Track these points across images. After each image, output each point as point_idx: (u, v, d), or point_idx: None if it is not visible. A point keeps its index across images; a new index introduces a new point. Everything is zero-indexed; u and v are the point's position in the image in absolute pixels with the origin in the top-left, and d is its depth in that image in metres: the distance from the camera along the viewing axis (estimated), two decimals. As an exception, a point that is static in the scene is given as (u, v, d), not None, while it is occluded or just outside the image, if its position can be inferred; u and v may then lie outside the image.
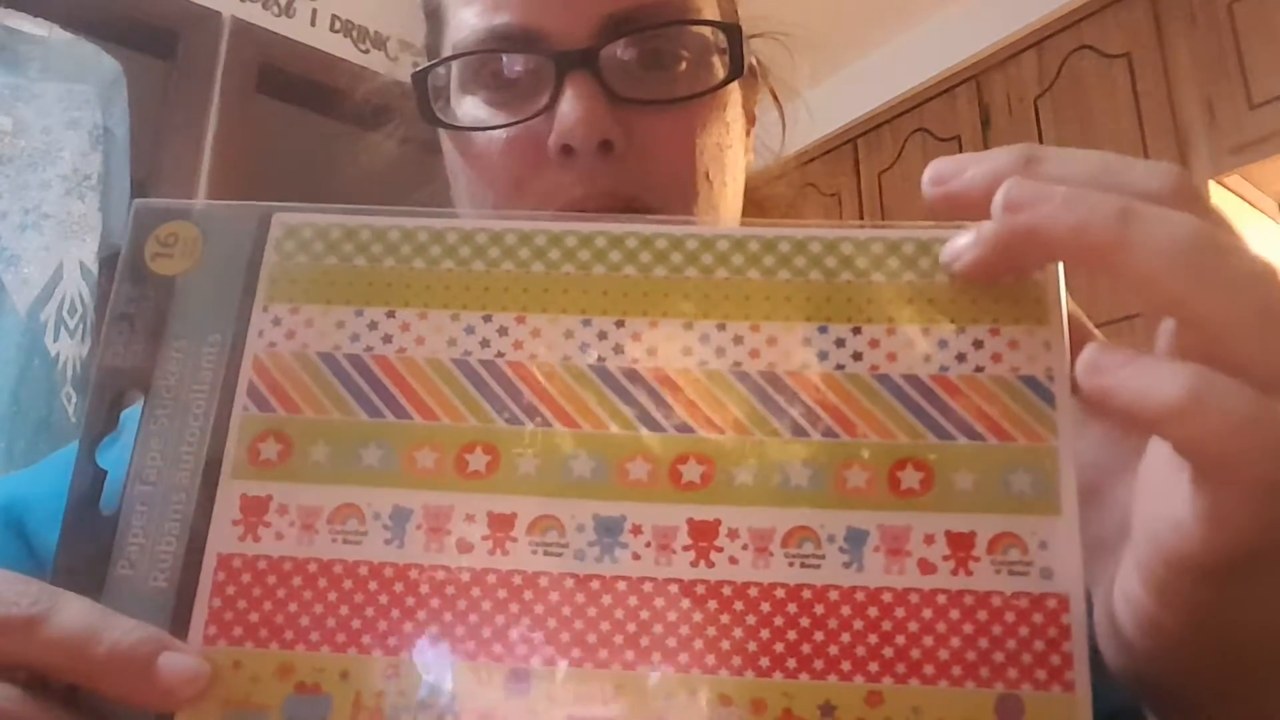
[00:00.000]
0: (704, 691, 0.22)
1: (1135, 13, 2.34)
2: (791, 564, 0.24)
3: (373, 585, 0.25)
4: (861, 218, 2.87)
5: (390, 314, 0.28)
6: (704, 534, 0.24)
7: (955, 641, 0.22)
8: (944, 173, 0.24)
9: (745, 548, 0.24)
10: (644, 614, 0.23)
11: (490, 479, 0.26)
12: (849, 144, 2.96)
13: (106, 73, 2.06)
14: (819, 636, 0.23)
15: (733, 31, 0.43)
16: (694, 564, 0.24)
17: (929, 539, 0.24)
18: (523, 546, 0.25)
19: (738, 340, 0.26)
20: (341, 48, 2.45)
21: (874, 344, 0.26)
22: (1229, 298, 0.21)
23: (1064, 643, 0.22)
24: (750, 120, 0.51)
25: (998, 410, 0.25)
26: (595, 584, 0.24)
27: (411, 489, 0.26)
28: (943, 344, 0.26)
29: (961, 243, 0.26)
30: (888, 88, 2.87)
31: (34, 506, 0.44)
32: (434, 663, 0.24)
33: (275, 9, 2.39)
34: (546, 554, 0.25)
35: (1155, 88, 2.27)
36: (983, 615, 0.23)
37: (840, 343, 0.26)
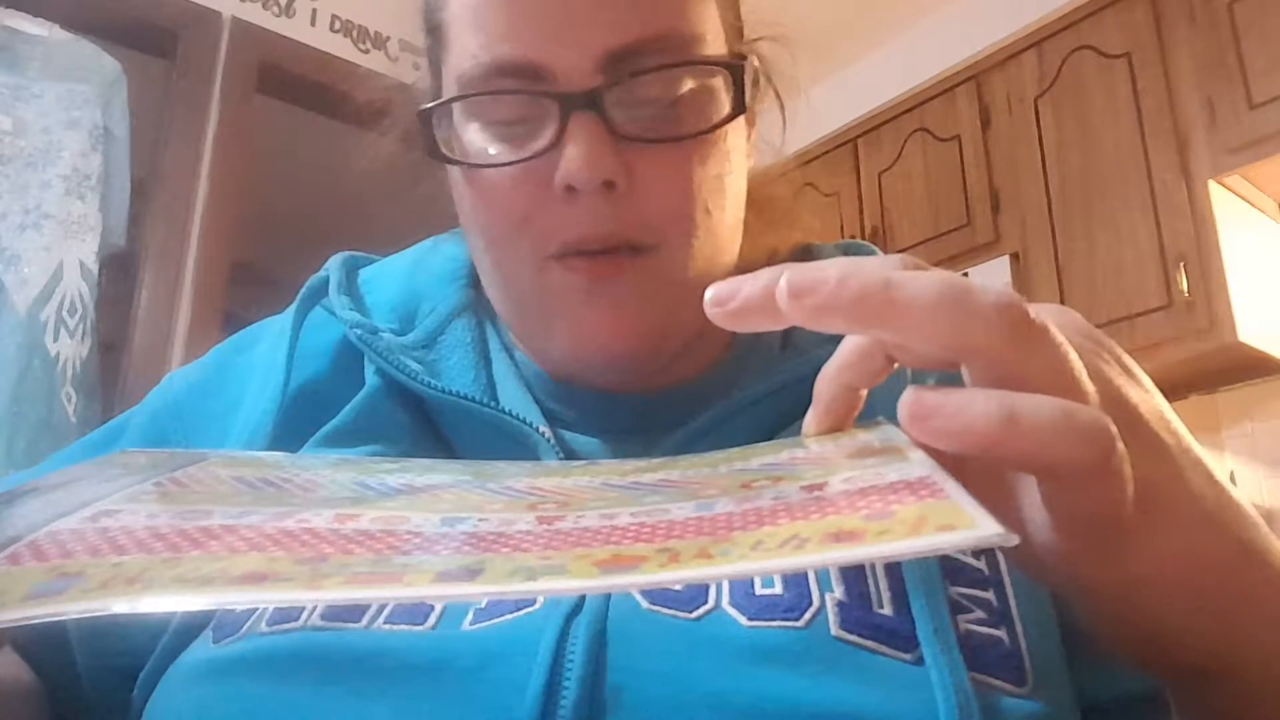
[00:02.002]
0: (523, 558, 0.21)
1: (1135, 13, 2.34)
2: (636, 516, 0.24)
3: (194, 532, 0.24)
4: (861, 217, 2.87)
5: (307, 469, 0.31)
6: (550, 519, 0.24)
7: (813, 510, 0.22)
8: (722, 294, 0.27)
9: (593, 519, 0.24)
10: (481, 543, 0.22)
11: (351, 509, 0.27)
12: (849, 144, 2.96)
13: (106, 73, 2.06)
14: (661, 531, 0.22)
15: (735, 69, 0.43)
16: (537, 525, 0.24)
17: (781, 492, 0.24)
18: (364, 523, 0.25)
19: (608, 479, 0.30)
20: (341, 48, 2.46)
21: (731, 464, 0.30)
22: (980, 328, 0.24)
23: (933, 486, 0.22)
24: (751, 123, 0.52)
25: (840, 451, 0.28)
26: (434, 535, 0.23)
27: (272, 507, 0.26)
28: (793, 452, 0.29)
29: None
30: (888, 88, 2.87)
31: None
32: (220, 555, 0.22)
33: (275, 9, 2.39)
34: (386, 525, 0.24)
35: (1155, 88, 2.27)
36: (842, 500, 0.22)
37: (699, 470, 0.29)
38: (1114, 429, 0.24)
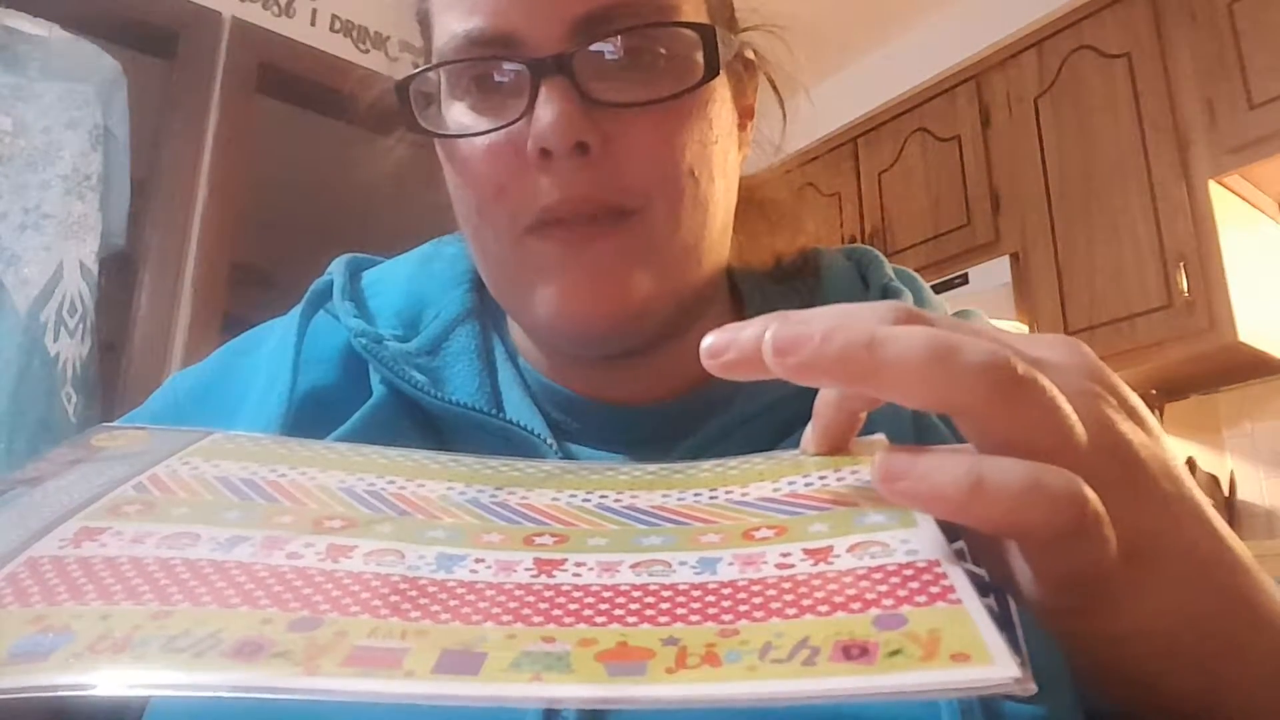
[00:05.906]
0: (524, 636, 0.20)
1: (1135, 13, 2.34)
2: (639, 574, 0.23)
3: (181, 571, 0.23)
4: (861, 217, 2.87)
5: (294, 468, 0.31)
6: (549, 564, 0.24)
7: (820, 594, 0.21)
8: (717, 346, 0.27)
9: (591, 569, 0.24)
10: (479, 602, 0.22)
11: (340, 531, 0.26)
12: (849, 144, 2.96)
13: (106, 73, 2.06)
14: (665, 606, 0.22)
15: (706, 32, 0.43)
16: (535, 576, 0.23)
17: (785, 554, 0.24)
18: (357, 562, 0.24)
19: (603, 495, 0.29)
20: (341, 48, 2.46)
21: (730, 491, 0.29)
22: (965, 388, 0.24)
23: (942, 580, 0.21)
24: (748, 114, 0.51)
25: (847, 493, 0.27)
26: (430, 586, 0.23)
27: (258, 529, 0.26)
28: (792, 481, 0.29)
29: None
30: (888, 88, 2.87)
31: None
32: (211, 609, 0.21)
33: (275, 9, 2.39)
34: (380, 565, 0.24)
35: (1155, 88, 2.27)
36: (848, 580, 0.22)
37: (698, 494, 0.29)
38: (1087, 492, 0.23)
